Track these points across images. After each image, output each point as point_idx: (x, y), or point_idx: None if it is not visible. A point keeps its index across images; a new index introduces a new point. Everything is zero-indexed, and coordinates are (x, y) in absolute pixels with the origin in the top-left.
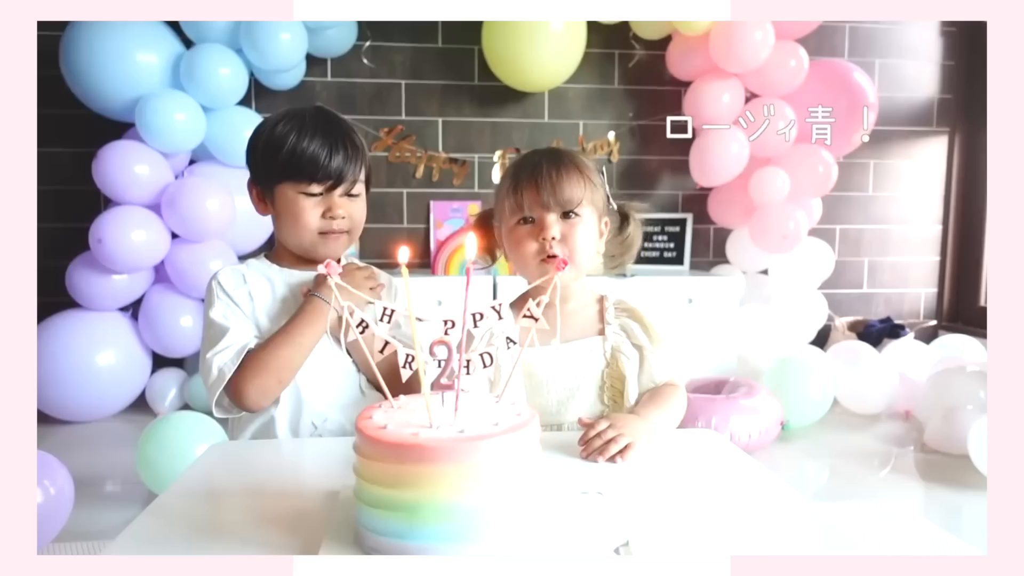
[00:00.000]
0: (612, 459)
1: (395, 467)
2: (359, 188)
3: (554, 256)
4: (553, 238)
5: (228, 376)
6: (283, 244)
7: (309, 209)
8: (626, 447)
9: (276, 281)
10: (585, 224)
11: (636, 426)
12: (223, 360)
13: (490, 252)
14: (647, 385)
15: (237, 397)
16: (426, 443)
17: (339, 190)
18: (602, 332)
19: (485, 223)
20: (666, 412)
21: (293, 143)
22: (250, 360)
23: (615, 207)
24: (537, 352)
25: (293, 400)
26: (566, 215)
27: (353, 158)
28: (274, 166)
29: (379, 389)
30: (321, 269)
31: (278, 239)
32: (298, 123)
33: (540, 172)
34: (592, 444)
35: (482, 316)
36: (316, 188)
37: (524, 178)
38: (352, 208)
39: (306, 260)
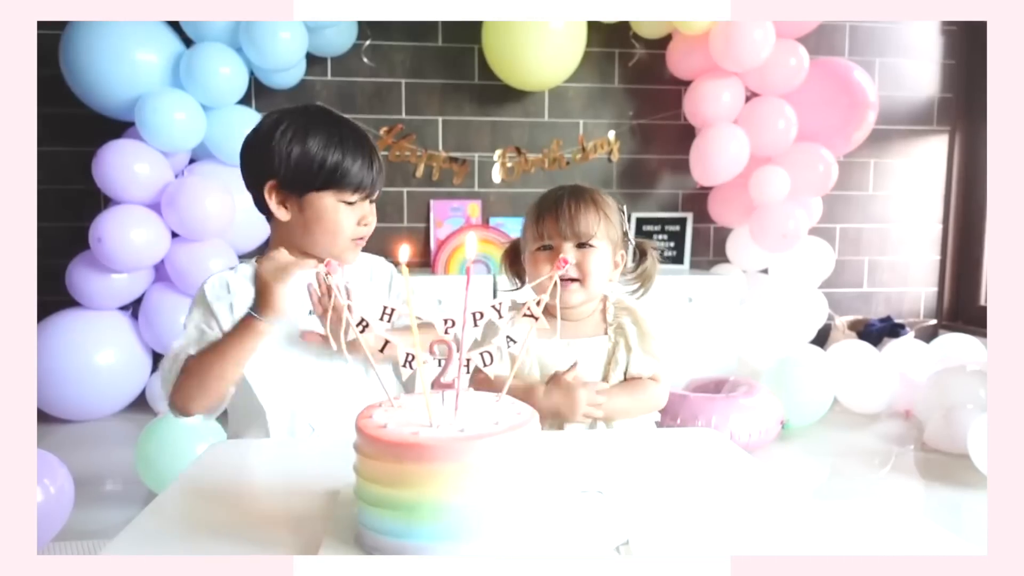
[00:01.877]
0: None
1: (395, 466)
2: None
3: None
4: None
5: (170, 380)
6: (297, 246)
7: (347, 217)
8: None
9: None
10: (598, 255)
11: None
12: (167, 364)
13: (519, 276)
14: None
15: (169, 401)
16: (426, 442)
17: (371, 198)
18: (605, 332)
19: (513, 252)
20: (626, 397)
21: (339, 158)
22: (185, 368)
23: (633, 243)
24: (546, 350)
25: (288, 407)
26: (581, 245)
27: (380, 168)
28: (312, 176)
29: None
30: (321, 269)
31: (289, 240)
32: (330, 134)
33: (561, 205)
34: None
35: (482, 315)
36: (354, 197)
37: (546, 209)
38: (373, 214)
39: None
